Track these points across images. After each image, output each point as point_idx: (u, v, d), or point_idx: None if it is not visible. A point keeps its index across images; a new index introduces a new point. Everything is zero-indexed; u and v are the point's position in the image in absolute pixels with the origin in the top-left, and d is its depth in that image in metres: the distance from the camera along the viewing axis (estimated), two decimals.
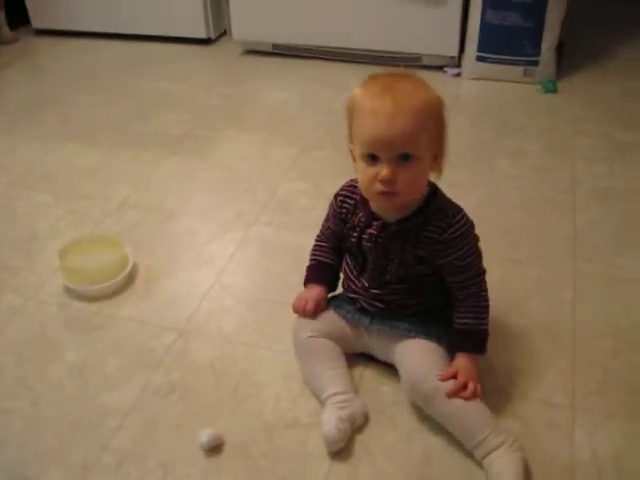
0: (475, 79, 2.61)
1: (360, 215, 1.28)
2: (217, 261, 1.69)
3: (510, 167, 2.03)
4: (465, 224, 1.24)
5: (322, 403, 1.27)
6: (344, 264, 1.38)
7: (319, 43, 2.74)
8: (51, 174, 2.08)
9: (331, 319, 1.36)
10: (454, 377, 1.22)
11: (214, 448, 1.23)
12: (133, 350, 1.45)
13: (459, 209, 1.26)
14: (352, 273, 1.35)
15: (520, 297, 1.51)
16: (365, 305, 1.32)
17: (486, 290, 1.27)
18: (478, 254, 1.27)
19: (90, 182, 2.03)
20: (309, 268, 1.42)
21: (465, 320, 1.26)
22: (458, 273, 1.25)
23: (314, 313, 1.35)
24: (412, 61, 2.65)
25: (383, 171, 1.15)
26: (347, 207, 1.31)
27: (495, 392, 1.30)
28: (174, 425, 1.28)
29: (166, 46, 2.95)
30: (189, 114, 2.40)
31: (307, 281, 1.41)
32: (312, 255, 1.43)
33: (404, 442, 1.23)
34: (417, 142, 1.14)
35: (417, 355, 1.26)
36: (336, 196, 1.35)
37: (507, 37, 2.49)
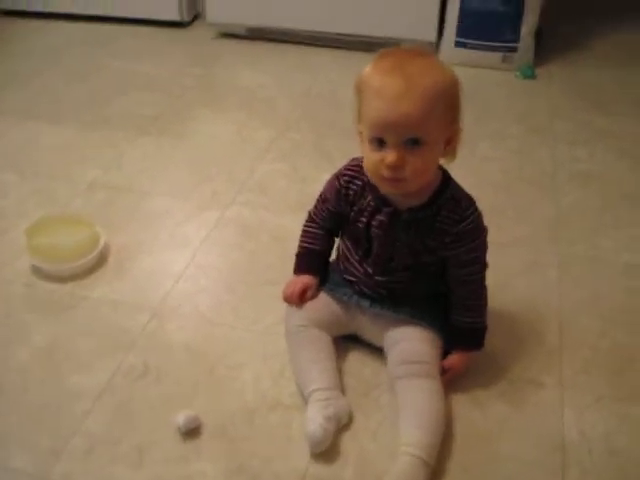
0: (453, 65, 2.56)
1: (369, 199, 1.21)
2: (192, 241, 1.63)
3: (491, 150, 2.00)
4: (477, 217, 1.19)
5: (305, 397, 1.21)
6: (342, 248, 1.32)
7: (295, 27, 2.67)
8: (16, 152, 2.00)
9: (323, 304, 1.30)
10: (445, 372, 1.22)
11: (192, 431, 1.17)
12: (105, 331, 1.38)
13: (471, 199, 1.20)
14: (353, 258, 1.28)
15: (505, 278, 1.48)
16: (367, 290, 1.27)
17: (485, 287, 1.24)
18: (485, 248, 1.23)
19: (57, 162, 1.95)
20: (299, 256, 1.36)
21: (464, 318, 1.24)
22: (464, 266, 1.21)
23: (303, 300, 1.30)
24: (390, 46, 2.60)
25: (389, 157, 1.08)
26: (354, 189, 1.23)
27: (483, 373, 1.27)
28: (149, 407, 1.23)
29: (137, 28, 2.85)
30: (161, 94, 2.32)
31: (297, 270, 1.35)
32: (301, 242, 1.36)
33: (389, 423, 1.18)
34: (427, 126, 1.07)
35: (415, 339, 1.22)
36: (340, 176, 1.26)
37: (486, 23, 2.46)
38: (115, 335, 1.37)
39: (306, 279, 1.32)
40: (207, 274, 1.53)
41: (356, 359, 1.31)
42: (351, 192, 1.24)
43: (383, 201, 1.19)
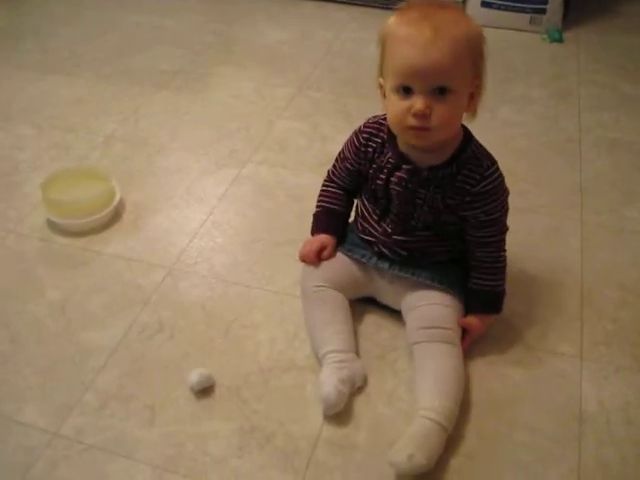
0: (479, 26, 2.51)
1: (389, 156, 1.19)
2: (209, 198, 1.61)
3: (514, 114, 1.96)
4: (499, 177, 1.16)
5: (319, 358, 1.19)
6: (360, 207, 1.29)
7: None
8: (33, 106, 1.97)
9: (341, 264, 1.28)
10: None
11: (205, 390, 1.17)
12: (119, 288, 1.37)
13: (493, 160, 1.17)
14: (371, 217, 1.26)
15: (527, 245, 1.45)
16: (385, 251, 1.25)
17: (504, 250, 1.22)
18: (505, 210, 1.20)
19: (75, 115, 1.92)
20: (316, 215, 1.33)
21: (483, 282, 1.21)
22: (482, 228, 1.19)
23: (320, 259, 1.28)
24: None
25: (417, 104, 1.06)
26: (373, 146, 1.21)
27: (501, 340, 1.25)
28: (162, 365, 1.22)
29: None
30: (180, 50, 2.28)
31: (314, 230, 1.33)
32: (320, 201, 1.33)
33: (404, 387, 1.17)
34: (455, 75, 1.06)
35: (435, 304, 1.20)
36: (359, 132, 1.24)
37: None
38: (129, 292, 1.36)
39: (323, 238, 1.29)
40: (223, 232, 1.51)
41: (372, 322, 1.29)
42: (370, 149, 1.22)
43: (403, 158, 1.17)
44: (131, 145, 1.79)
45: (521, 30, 2.46)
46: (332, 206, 1.32)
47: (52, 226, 1.51)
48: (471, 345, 1.22)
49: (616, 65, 2.24)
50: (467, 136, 1.17)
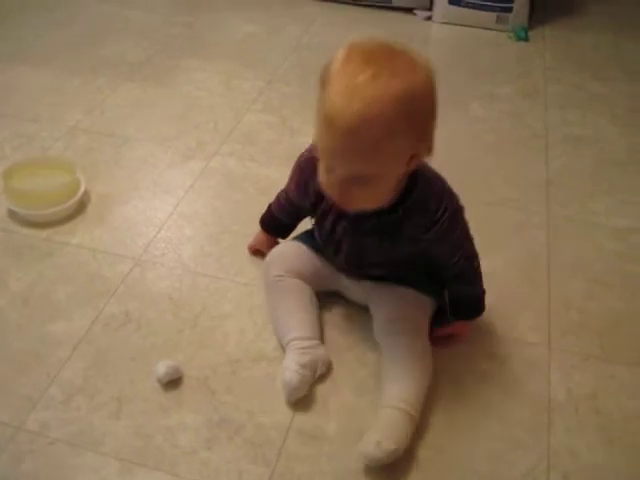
0: (446, 23, 2.52)
1: (331, 202, 1.10)
2: (176, 190, 1.59)
3: (482, 110, 1.97)
4: (451, 216, 1.09)
5: (283, 347, 1.19)
6: (317, 235, 1.24)
7: None
8: None
9: (307, 258, 1.27)
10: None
11: (173, 381, 1.15)
12: (85, 279, 1.34)
13: (441, 196, 1.08)
14: (327, 248, 1.23)
15: (495, 238, 1.45)
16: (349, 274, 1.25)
17: (479, 275, 1.19)
18: (468, 242, 1.16)
19: (39, 105, 1.88)
20: (267, 212, 1.36)
21: (463, 290, 1.20)
22: (449, 265, 1.16)
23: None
24: (382, 2, 2.54)
25: (334, 193, 1.02)
26: (316, 188, 1.09)
27: (470, 331, 1.25)
28: (129, 357, 1.20)
29: None
30: (147, 41, 2.24)
31: (261, 223, 1.37)
32: (273, 204, 1.35)
33: (374, 378, 1.17)
34: (377, 163, 0.96)
35: (400, 298, 1.20)
36: (303, 168, 1.16)
37: None
38: (95, 283, 1.33)
39: (261, 243, 1.38)
40: (191, 224, 1.49)
41: (342, 314, 1.29)
42: (312, 190, 1.14)
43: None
44: (96, 136, 1.76)
45: (488, 28, 2.47)
46: (279, 215, 1.34)
47: (14, 216, 1.48)
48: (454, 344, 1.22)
49: (581, 63, 2.26)
50: (413, 176, 1.07)
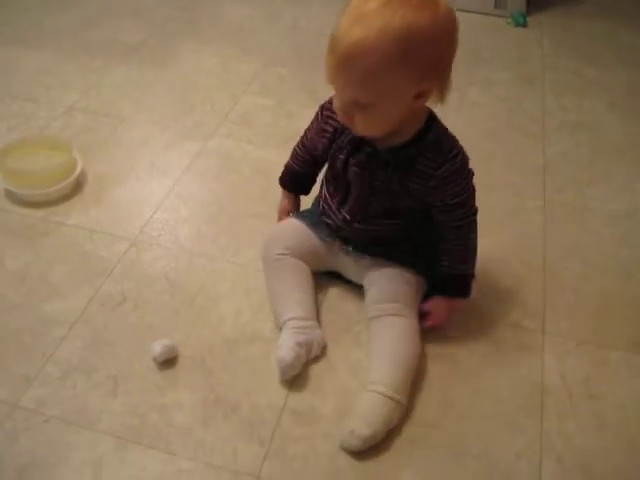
0: None
1: (350, 137, 1.14)
2: (173, 171, 1.58)
3: (480, 96, 1.97)
4: (462, 159, 1.12)
5: (279, 326, 1.19)
6: (324, 189, 1.26)
7: None
8: None
9: (307, 236, 1.27)
10: (425, 315, 1.21)
11: (169, 361, 1.15)
12: (81, 258, 1.34)
13: (455, 142, 1.12)
14: (332, 202, 1.23)
15: (491, 222, 1.44)
16: (347, 237, 1.24)
17: (476, 232, 1.19)
18: (472, 191, 1.17)
19: (35, 85, 1.88)
20: (284, 170, 1.35)
21: (453, 265, 1.19)
22: (449, 211, 1.15)
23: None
24: None
25: (339, 114, 1.07)
26: (334, 125, 1.16)
27: (465, 314, 1.26)
28: (125, 337, 1.20)
29: None
30: (143, 23, 2.23)
31: (280, 181, 1.36)
32: (290, 159, 1.34)
33: (368, 360, 1.17)
34: (374, 91, 0.99)
35: (393, 279, 1.20)
36: (322, 109, 1.20)
37: None
38: (91, 263, 1.33)
39: (286, 205, 1.35)
40: (188, 205, 1.49)
41: (337, 295, 1.29)
42: (330, 127, 1.17)
43: (362, 140, 1.13)
44: (93, 116, 1.75)
45: (486, 14, 2.47)
46: (294, 165, 1.33)
47: (10, 196, 1.48)
48: (433, 327, 1.21)
49: (579, 50, 2.26)
50: (429, 119, 1.11)
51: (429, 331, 1.20)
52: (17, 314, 1.23)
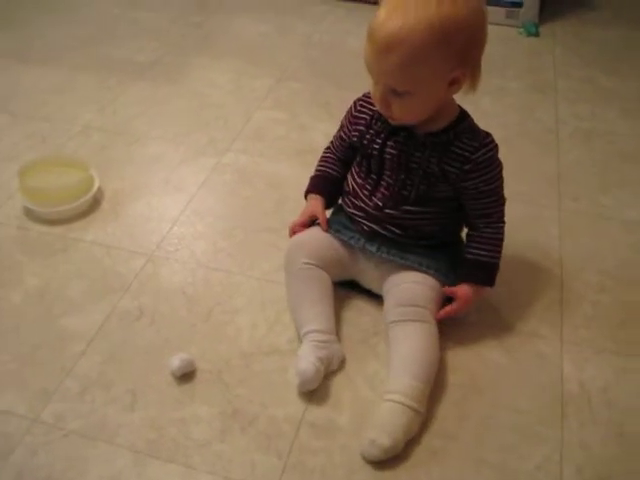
0: None
1: (387, 123, 1.18)
2: (188, 187, 1.60)
3: (492, 105, 1.97)
4: (495, 147, 1.18)
5: (300, 336, 1.19)
6: (350, 183, 1.28)
7: None
8: (8, 94, 1.95)
9: (329, 244, 1.27)
10: (451, 298, 1.21)
11: (186, 375, 1.16)
12: (99, 274, 1.36)
13: (488, 134, 1.19)
14: (362, 192, 1.24)
15: (507, 232, 1.43)
16: (376, 227, 1.23)
17: (504, 222, 1.22)
18: (502, 181, 1.20)
19: (51, 104, 1.90)
20: (313, 178, 1.35)
21: (480, 251, 1.21)
22: (482, 198, 1.19)
23: (307, 226, 1.30)
24: None
25: (376, 102, 1.13)
26: (369, 113, 1.22)
27: (482, 323, 1.26)
28: (143, 351, 1.21)
29: None
30: (157, 41, 2.26)
31: (308, 191, 1.34)
32: (318, 166, 1.35)
33: (386, 371, 1.16)
34: (410, 81, 1.06)
35: (414, 283, 1.20)
36: (357, 100, 1.26)
37: None
38: (109, 279, 1.35)
39: (312, 208, 1.31)
40: (203, 220, 1.50)
41: (355, 307, 1.29)
42: (366, 115, 1.22)
43: (400, 125, 1.18)
44: (109, 134, 1.78)
45: (498, 24, 2.47)
46: (325, 169, 1.33)
47: (29, 214, 1.50)
48: (449, 315, 1.20)
49: (591, 58, 2.26)
50: (463, 112, 1.19)
51: (447, 337, 1.20)
52: (36, 330, 1.24)
